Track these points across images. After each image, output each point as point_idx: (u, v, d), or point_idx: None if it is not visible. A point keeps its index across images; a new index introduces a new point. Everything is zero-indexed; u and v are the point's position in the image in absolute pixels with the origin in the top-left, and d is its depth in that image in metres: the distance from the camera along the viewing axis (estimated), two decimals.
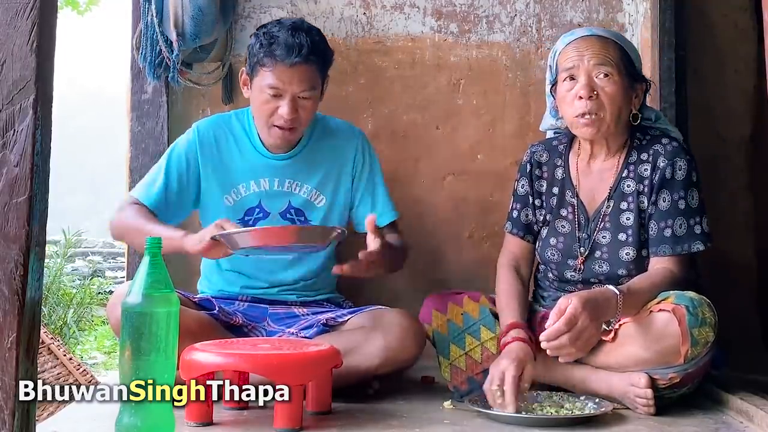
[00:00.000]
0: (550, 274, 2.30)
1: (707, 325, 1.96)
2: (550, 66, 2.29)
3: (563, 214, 2.27)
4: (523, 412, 1.98)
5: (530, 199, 2.34)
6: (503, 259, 2.36)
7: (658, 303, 2.01)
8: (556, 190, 2.31)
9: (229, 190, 2.41)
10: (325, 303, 2.47)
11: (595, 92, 2.13)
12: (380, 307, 2.33)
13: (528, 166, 2.35)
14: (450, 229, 3.05)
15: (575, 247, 2.23)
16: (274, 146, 2.40)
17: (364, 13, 3.05)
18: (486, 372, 2.20)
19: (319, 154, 2.45)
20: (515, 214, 2.37)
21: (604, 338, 2.11)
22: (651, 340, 2.00)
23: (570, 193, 2.27)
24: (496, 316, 2.25)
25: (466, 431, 1.91)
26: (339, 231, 2.10)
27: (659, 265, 2.13)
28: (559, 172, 2.31)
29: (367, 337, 2.17)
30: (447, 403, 2.15)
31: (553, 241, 2.27)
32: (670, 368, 2.00)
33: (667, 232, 2.13)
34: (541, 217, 2.32)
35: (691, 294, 2.00)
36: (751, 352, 2.80)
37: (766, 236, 3.04)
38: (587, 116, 2.14)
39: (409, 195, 3.04)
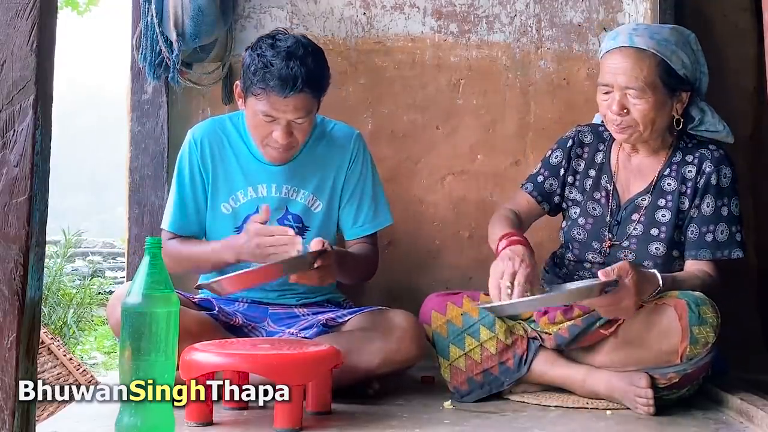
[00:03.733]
0: (569, 255, 2.31)
1: (708, 324, 1.96)
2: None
3: (596, 197, 2.30)
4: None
5: (561, 171, 2.35)
6: (506, 205, 2.39)
7: (661, 297, 2.02)
8: (592, 172, 2.33)
9: (227, 198, 2.38)
10: (325, 303, 2.46)
11: (626, 109, 2.15)
12: (380, 307, 2.33)
13: (570, 142, 2.36)
14: (450, 229, 3.05)
15: (603, 231, 2.26)
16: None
17: (364, 13, 3.05)
18: (486, 372, 2.20)
19: (316, 158, 2.41)
20: (540, 179, 2.38)
21: (603, 332, 2.11)
22: (652, 337, 2.01)
23: (606, 178, 2.30)
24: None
25: (466, 431, 1.92)
26: (324, 249, 2.07)
27: (697, 267, 2.15)
28: (599, 156, 2.33)
29: (367, 339, 2.16)
30: (447, 403, 2.15)
31: (582, 221, 2.29)
32: (670, 368, 2.01)
33: (709, 237, 2.15)
34: (572, 195, 2.34)
35: (695, 293, 2.01)
36: (751, 352, 2.80)
37: (766, 236, 3.04)
38: (619, 128, 2.18)
39: (409, 195, 3.04)
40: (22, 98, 1.45)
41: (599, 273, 1.98)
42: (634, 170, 2.28)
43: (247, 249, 2.16)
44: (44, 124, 1.47)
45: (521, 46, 3.06)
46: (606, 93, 2.18)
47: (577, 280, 2.28)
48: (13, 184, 1.44)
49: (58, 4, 1.67)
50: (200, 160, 2.38)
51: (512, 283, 1.98)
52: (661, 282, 2.00)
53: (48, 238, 1.56)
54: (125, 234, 2.95)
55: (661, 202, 2.22)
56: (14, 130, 1.44)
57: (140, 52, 2.76)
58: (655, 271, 2.04)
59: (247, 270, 2.05)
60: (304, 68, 2.17)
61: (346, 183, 2.43)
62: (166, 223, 2.40)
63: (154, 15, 2.70)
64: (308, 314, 2.37)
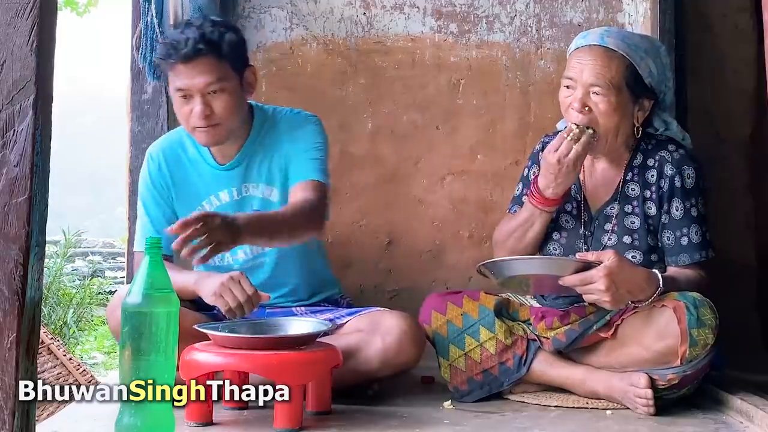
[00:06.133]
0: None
1: (707, 326, 1.96)
2: None
3: (567, 209, 2.27)
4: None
5: None
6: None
7: (660, 299, 2.01)
8: None
9: (193, 211, 2.33)
10: (322, 303, 2.45)
11: (587, 107, 2.12)
12: (379, 309, 2.31)
13: (540, 154, 2.32)
14: (450, 229, 3.05)
15: (578, 243, 2.23)
16: (218, 154, 2.32)
17: (364, 13, 3.05)
18: (486, 372, 2.20)
19: (264, 147, 2.34)
20: (523, 199, 2.36)
21: (603, 335, 2.11)
22: (651, 339, 2.01)
23: (575, 188, 2.26)
24: (496, 314, 2.25)
25: (465, 431, 1.92)
26: (326, 329, 2.04)
27: (689, 269, 2.13)
28: None
29: (366, 342, 2.15)
30: (447, 403, 2.15)
31: (556, 235, 2.27)
32: (669, 369, 2.00)
33: (684, 241, 2.13)
34: None
35: (694, 294, 2.01)
36: (751, 352, 2.80)
37: (766, 236, 3.04)
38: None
39: (409, 195, 3.04)
40: (22, 98, 1.45)
41: (577, 255, 2.03)
42: (599, 178, 2.25)
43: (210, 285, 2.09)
44: (44, 124, 1.47)
45: (521, 46, 3.06)
46: (568, 88, 2.16)
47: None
48: (13, 184, 1.44)
49: (58, 4, 1.67)
50: (160, 177, 2.35)
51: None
52: (662, 283, 1.99)
53: (48, 238, 1.56)
54: (125, 234, 2.95)
55: (628, 208, 2.19)
56: (14, 130, 1.44)
57: (140, 52, 2.75)
58: (656, 270, 2.04)
59: (245, 336, 1.96)
60: (199, 31, 2.16)
61: (292, 155, 2.31)
62: (139, 245, 2.33)
63: (154, 15, 2.69)
64: (306, 314, 2.37)
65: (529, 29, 3.06)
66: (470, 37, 3.06)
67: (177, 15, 2.67)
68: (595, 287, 1.94)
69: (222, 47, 2.19)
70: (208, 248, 1.87)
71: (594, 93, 2.11)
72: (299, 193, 2.24)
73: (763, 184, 3.03)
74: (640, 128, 2.18)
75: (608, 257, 1.95)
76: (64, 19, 7.16)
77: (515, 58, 3.06)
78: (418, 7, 3.06)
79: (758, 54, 2.87)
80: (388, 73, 3.05)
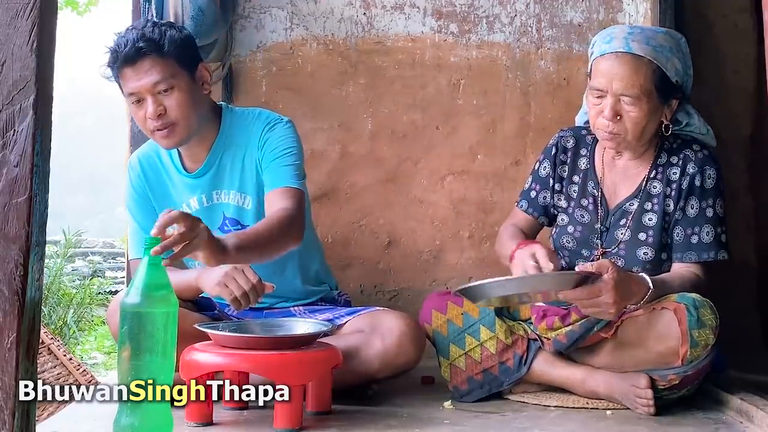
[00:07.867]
0: (561, 262, 2.30)
1: (707, 327, 1.96)
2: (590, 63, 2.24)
3: (584, 204, 2.27)
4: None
5: (551, 182, 2.33)
6: (507, 223, 2.38)
7: (660, 301, 2.01)
8: (577, 178, 2.30)
9: None
10: (319, 302, 2.44)
11: (619, 116, 2.10)
12: (379, 309, 2.31)
13: (553, 150, 2.33)
14: (450, 229, 3.05)
15: (592, 238, 2.24)
16: (188, 159, 2.31)
17: (364, 13, 3.05)
18: (486, 372, 2.20)
19: (236, 150, 2.30)
20: (533, 194, 2.36)
21: (603, 335, 2.11)
22: (652, 340, 2.01)
23: (592, 184, 2.27)
24: (496, 313, 2.25)
25: (465, 431, 1.92)
26: (326, 330, 2.04)
27: (685, 269, 2.13)
28: (582, 162, 2.30)
29: (366, 342, 2.15)
30: (447, 403, 2.15)
31: (571, 229, 2.27)
32: (670, 369, 2.00)
33: (694, 239, 2.14)
34: (560, 202, 2.32)
35: (694, 294, 2.00)
36: (751, 352, 2.80)
37: (766, 236, 3.05)
38: (609, 134, 2.13)
39: (409, 195, 3.05)
40: (22, 98, 1.44)
41: (576, 268, 2.00)
42: (620, 174, 2.25)
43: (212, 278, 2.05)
44: (44, 124, 1.47)
45: (521, 46, 3.06)
46: (598, 97, 2.13)
47: None
48: (13, 184, 1.44)
49: (58, 4, 1.66)
50: (140, 186, 2.35)
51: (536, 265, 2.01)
52: (651, 285, 1.99)
53: (48, 238, 1.56)
54: (125, 234, 2.95)
55: (648, 205, 2.19)
56: (14, 130, 1.44)
57: None
58: (644, 274, 2.03)
59: (246, 336, 1.97)
60: (139, 33, 2.13)
61: (264, 161, 2.26)
62: (133, 253, 2.34)
63: (154, 15, 2.70)
64: (305, 312, 2.36)
65: (529, 29, 3.06)
66: (470, 37, 3.06)
67: (177, 15, 2.67)
68: (603, 300, 1.93)
69: (163, 44, 2.15)
70: (181, 246, 1.76)
71: (625, 102, 2.09)
72: (276, 203, 2.18)
73: (763, 184, 3.04)
74: (669, 125, 2.17)
75: (607, 268, 1.93)
76: (64, 19, 7.17)
77: (515, 58, 3.06)
78: (418, 7, 3.06)
79: (758, 54, 2.87)
80: (388, 73, 3.05)
